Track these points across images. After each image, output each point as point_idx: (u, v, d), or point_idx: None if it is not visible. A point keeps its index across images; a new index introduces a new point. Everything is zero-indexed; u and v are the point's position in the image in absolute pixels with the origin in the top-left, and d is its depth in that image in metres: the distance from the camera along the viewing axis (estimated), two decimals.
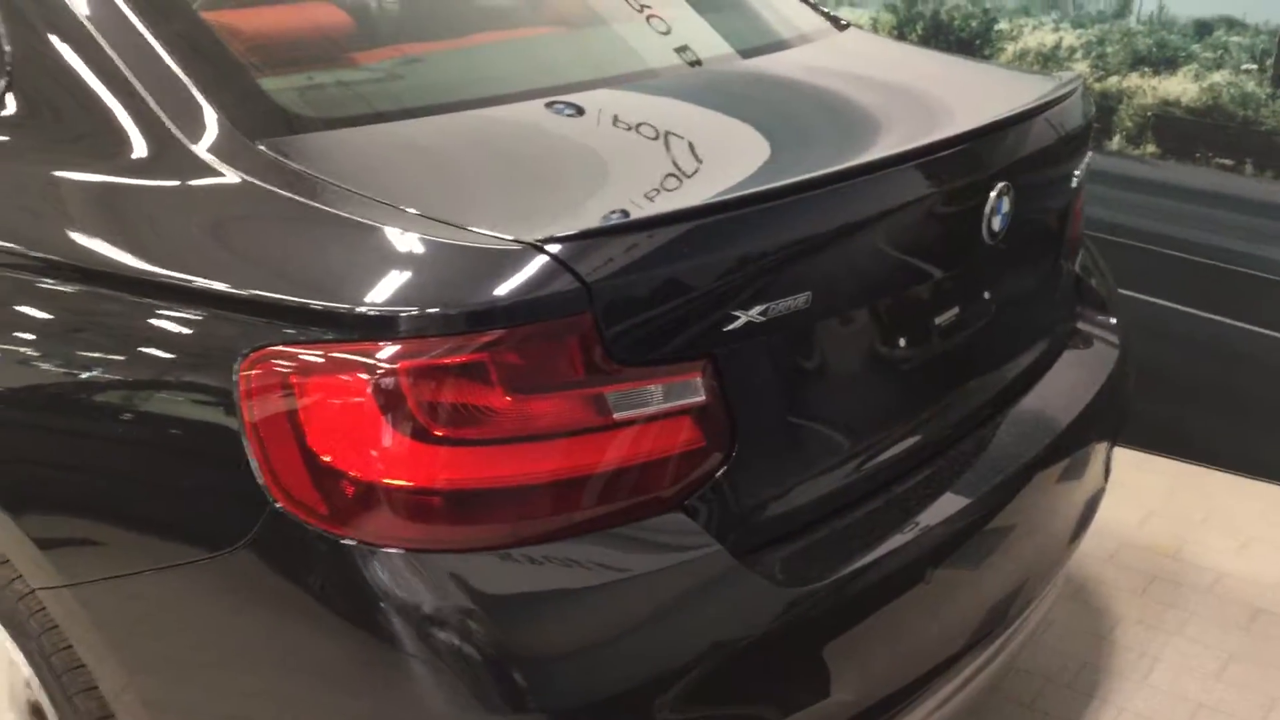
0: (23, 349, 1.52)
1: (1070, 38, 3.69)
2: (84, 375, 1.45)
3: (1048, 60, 3.77)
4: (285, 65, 1.68)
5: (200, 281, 1.37)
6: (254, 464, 1.31)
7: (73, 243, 1.51)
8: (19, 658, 1.64)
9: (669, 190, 1.49)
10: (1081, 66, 3.68)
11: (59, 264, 1.50)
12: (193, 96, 1.49)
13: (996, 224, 1.71)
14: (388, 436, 1.28)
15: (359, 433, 1.29)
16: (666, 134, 1.67)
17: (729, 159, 1.62)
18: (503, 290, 1.27)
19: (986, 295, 1.81)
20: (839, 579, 1.49)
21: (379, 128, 1.58)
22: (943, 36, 3.93)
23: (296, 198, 1.40)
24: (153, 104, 1.49)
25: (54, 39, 1.57)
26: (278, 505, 1.31)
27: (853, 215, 1.51)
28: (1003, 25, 3.82)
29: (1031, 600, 1.91)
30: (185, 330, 1.39)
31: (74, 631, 1.54)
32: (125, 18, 1.54)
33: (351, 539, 1.30)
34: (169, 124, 1.48)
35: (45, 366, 1.50)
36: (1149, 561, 2.92)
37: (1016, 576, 1.84)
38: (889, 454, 1.66)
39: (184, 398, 1.39)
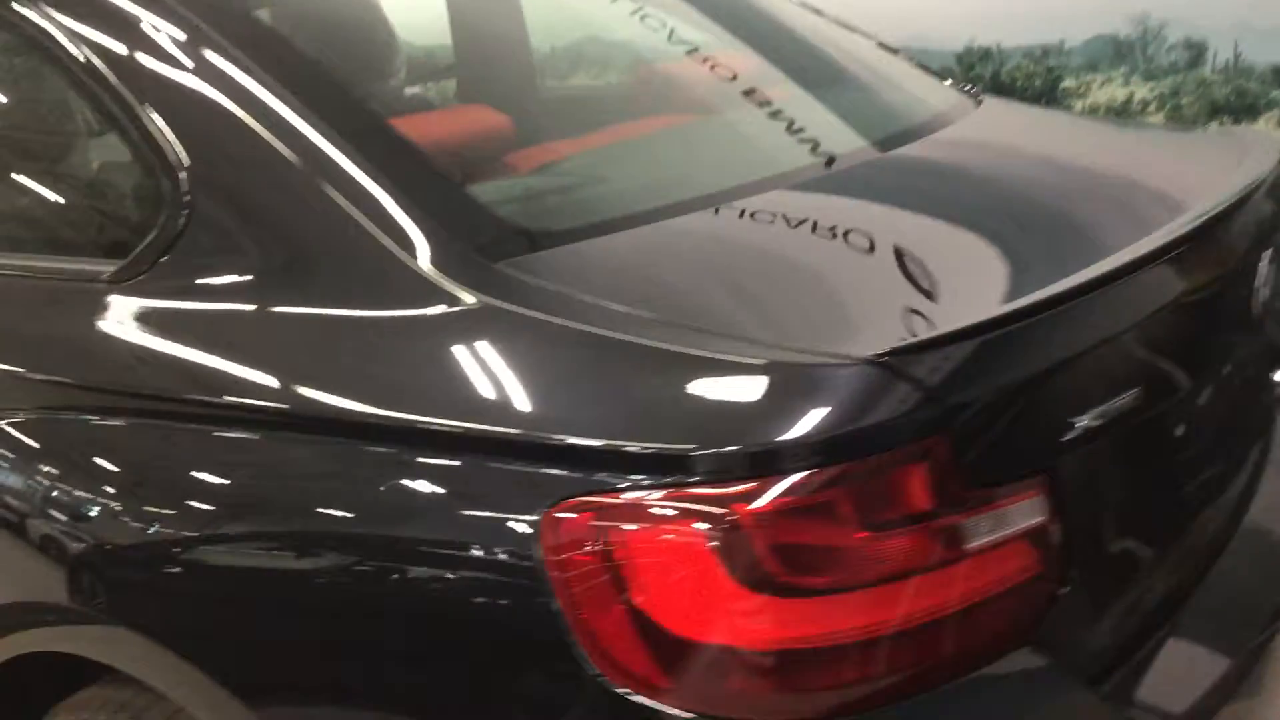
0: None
1: (1142, 91, 3.63)
2: (348, 552, 1.28)
3: (1120, 115, 3.71)
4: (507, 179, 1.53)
5: (482, 428, 1.21)
6: (569, 632, 1.15)
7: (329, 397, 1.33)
8: None
9: (984, 291, 1.35)
10: (1156, 119, 3.62)
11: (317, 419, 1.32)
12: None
13: (1265, 292, 1.59)
14: (729, 591, 1.12)
15: (695, 589, 1.13)
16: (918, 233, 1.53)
17: (1015, 255, 1.49)
18: (850, 415, 1.12)
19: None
20: (1207, 694, 1.34)
21: (623, 236, 1.44)
22: (1004, 97, 3.86)
23: (575, 325, 1.25)
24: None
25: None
26: (601, 678, 1.14)
27: (1165, 299, 1.38)
28: (1069, 82, 3.76)
29: None
30: (477, 484, 1.22)
31: None
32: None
33: (693, 713, 1.13)
34: (410, 262, 1.32)
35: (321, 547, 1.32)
36: None
37: None
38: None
39: (475, 561, 1.21)
